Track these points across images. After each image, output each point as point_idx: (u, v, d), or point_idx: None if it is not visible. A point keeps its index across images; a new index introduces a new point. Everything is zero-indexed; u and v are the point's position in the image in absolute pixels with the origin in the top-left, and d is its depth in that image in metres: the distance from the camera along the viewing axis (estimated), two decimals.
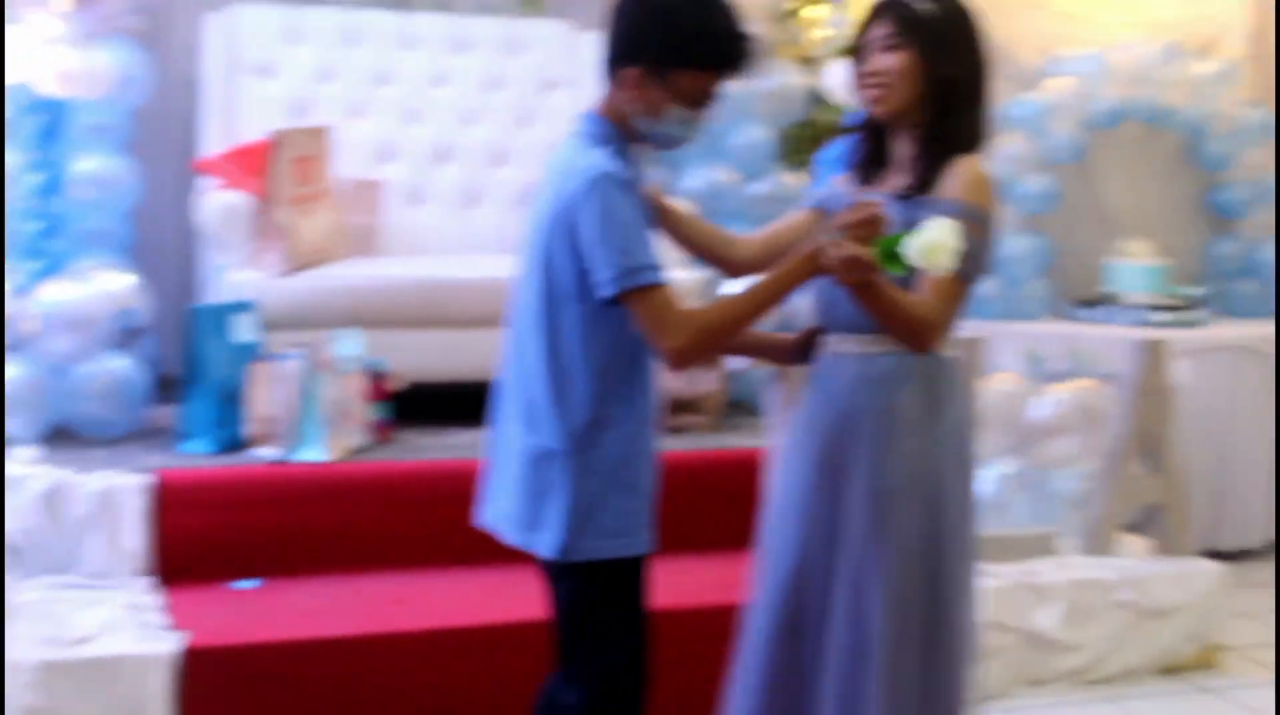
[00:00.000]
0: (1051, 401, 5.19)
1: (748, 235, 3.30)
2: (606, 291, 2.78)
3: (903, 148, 3.06)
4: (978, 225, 2.90)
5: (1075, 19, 6.94)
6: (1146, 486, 5.04)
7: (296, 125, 5.42)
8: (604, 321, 2.85)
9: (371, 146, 5.86)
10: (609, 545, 2.92)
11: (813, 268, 2.85)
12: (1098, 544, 4.97)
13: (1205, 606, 4.94)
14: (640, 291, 2.76)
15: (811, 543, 3.08)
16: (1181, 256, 7.01)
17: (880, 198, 2.96)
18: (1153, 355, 5.02)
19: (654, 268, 2.78)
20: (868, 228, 2.80)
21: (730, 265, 3.26)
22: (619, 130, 2.91)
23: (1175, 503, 5.06)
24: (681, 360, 2.82)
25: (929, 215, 2.84)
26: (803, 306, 3.33)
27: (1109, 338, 6.08)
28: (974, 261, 2.90)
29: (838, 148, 5.82)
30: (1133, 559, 4.99)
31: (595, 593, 2.97)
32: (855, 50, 3.08)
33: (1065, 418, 5.17)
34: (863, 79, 3.05)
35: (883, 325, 2.93)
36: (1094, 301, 6.56)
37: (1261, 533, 6.42)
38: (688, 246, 3.26)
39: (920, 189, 2.97)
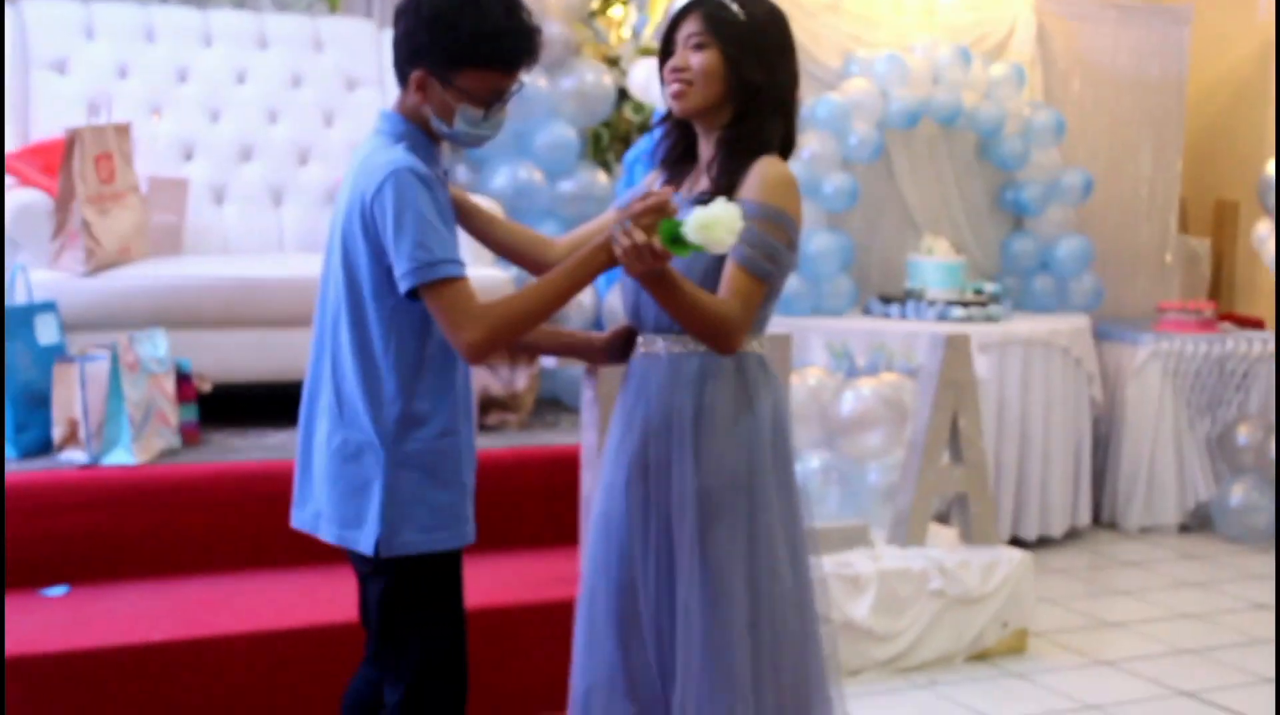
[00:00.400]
0: (859, 396, 5.29)
1: (558, 238, 3.29)
2: (404, 285, 2.76)
3: (707, 148, 3.06)
4: (775, 226, 2.91)
5: (871, 22, 7.07)
6: (953, 477, 5.15)
7: (94, 122, 5.29)
8: (407, 317, 2.83)
9: (173, 144, 5.73)
10: (426, 539, 2.90)
11: (605, 258, 2.82)
12: (908, 534, 5.07)
13: (1012, 593, 5.06)
14: (436, 285, 2.74)
15: (636, 544, 3.06)
16: (979, 252, 7.20)
17: (679, 203, 2.96)
18: (955, 349, 5.13)
19: (450, 261, 2.76)
20: (655, 215, 2.76)
21: (541, 266, 3.20)
22: (418, 128, 2.89)
23: (980, 493, 5.18)
24: (477, 353, 2.79)
25: None
26: (618, 307, 3.32)
27: (912, 333, 6.22)
28: (772, 262, 2.91)
29: (644, 146, 5.89)
30: (942, 548, 5.09)
31: (413, 587, 2.94)
32: (663, 46, 3.07)
33: (873, 411, 5.28)
34: (668, 75, 3.04)
35: (679, 322, 2.92)
36: (897, 297, 6.69)
37: (1060, 521, 6.61)
38: (498, 248, 3.23)
39: (719, 191, 2.94)
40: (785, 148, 3.06)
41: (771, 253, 2.90)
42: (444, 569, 2.97)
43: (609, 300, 5.69)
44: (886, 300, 6.70)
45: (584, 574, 3.19)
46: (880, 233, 7.08)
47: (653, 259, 2.74)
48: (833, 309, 6.59)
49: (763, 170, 2.95)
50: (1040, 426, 6.54)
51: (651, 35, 6.50)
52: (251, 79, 5.98)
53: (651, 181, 3.20)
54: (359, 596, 3.13)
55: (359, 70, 6.12)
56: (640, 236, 2.73)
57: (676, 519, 3.00)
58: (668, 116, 3.14)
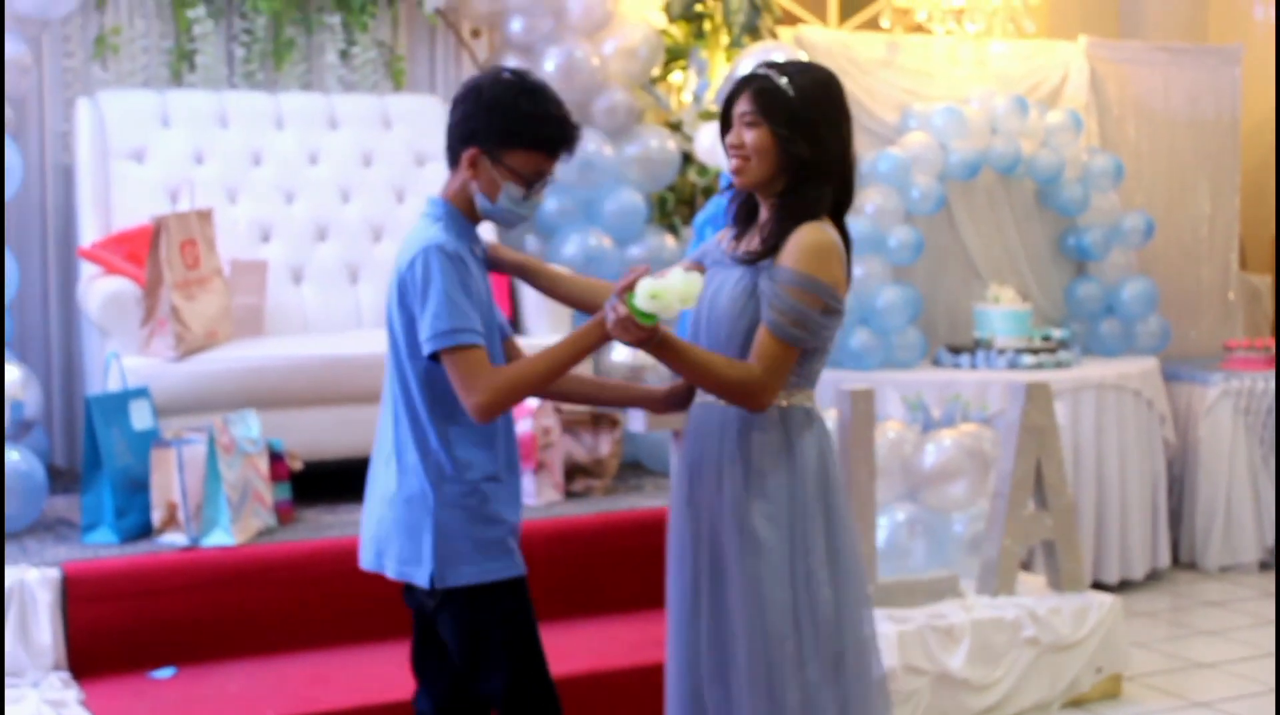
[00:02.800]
0: (940, 447, 5.31)
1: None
2: (426, 349, 3.05)
3: (765, 209, 3.22)
4: (805, 292, 3.05)
5: (927, 76, 7.15)
6: (1039, 524, 5.17)
7: (173, 209, 5.40)
8: (440, 378, 3.09)
9: (251, 227, 5.82)
10: (477, 571, 3.14)
11: (601, 330, 3.05)
12: (998, 583, 5.09)
13: (1105, 638, 5.07)
14: (452, 352, 3.02)
15: (692, 591, 3.23)
16: (1043, 299, 7.23)
17: (734, 260, 3.15)
18: (1036, 396, 5.16)
19: (466, 331, 3.02)
20: (630, 291, 2.96)
21: None
22: (458, 209, 3.18)
23: (1067, 538, 5.20)
24: (483, 414, 3.04)
25: (765, 282, 3.08)
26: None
27: (984, 382, 6.26)
28: (801, 327, 3.06)
29: (712, 209, 5.95)
30: (1032, 596, 5.11)
31: (480, 615, 3.18)
32: (722, 119, 3.25)
33: (954, 462, 5.30)
34: (729, 149, 3.22)
35: (697, 385, 3.15)
36: (966, 347, 6.73)
37: (1141, 563, 6.61)
38: (568, 301, 3.46)
39: (766, 253, 3.13)
40: (839, 209, 3.21)
41: (800, 318, 3.06)
42: (505, 597, 3.20)
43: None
44: (955, 351, 6.74)
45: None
46: (945, 283, 7.13)
47: (637, 330, 2.94)
48: (903, 362, 6.63)
49: (799, 238, 3.11)
50: (1116, 470, 6.56)
51: (713, 99, 6.57)
52: (323, 159, 6.07)
53: (721, 239, 3.35)
54: (414, 639, 3.41)
55: (427, 146, 6.20)
56: (623, 309, 2.93)
57: (728, 566, 3.15)
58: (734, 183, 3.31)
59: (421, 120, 6.27)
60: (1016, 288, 7.04)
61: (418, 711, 3.41)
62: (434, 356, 3.04)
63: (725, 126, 3.23)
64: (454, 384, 3.04)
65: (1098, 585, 6.27)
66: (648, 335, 2.95)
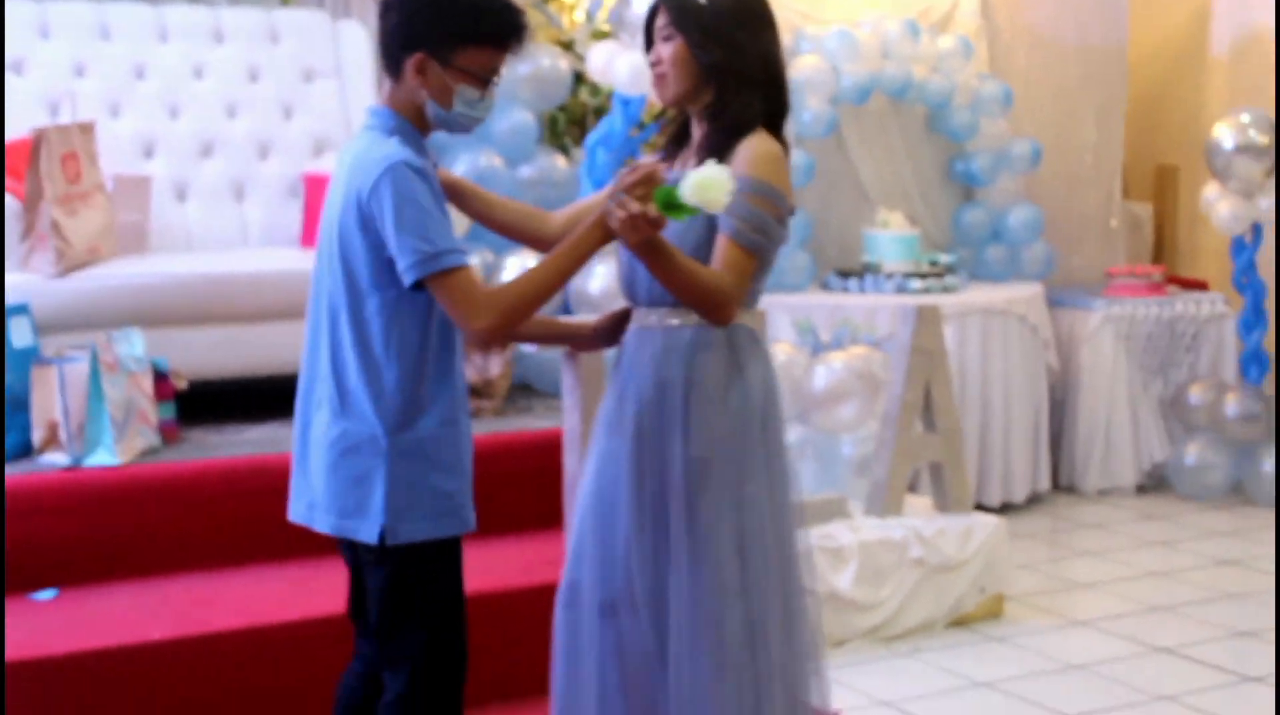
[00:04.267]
0: (830, 370, 5.34)
1: (556, 211, 3.37)
2: (409, 277, 2.81)
3: (696, 130, 3.16)
4: (764, 199, 2.99)
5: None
6: (928, 446, 5.23)
7: (54, 122, 5.27)
8: (408, 308, 2.89)
9: (132, 142, 5.71)
10: (431, 526, 2.95)
11: (601, 233, 2.92)
12: (886, 504, 5.14)
13: (988, 559, 5.15)
14: (442, 275, 2.81)
15: (631, 515, 3.14)
16: (931, 224, 7.28)
17: (672, 179, 3.01)
18: (926, 320, 5.20)
19: (454, 251, 2.83)
20: (646, 185, 2.87)
21: (540, 241, 3.32)
22: (408, 121, 2.95)
23: (955, 461, 5.27)
24: (490, 338, 2.90)
25: None
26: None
27: (873, 306, 6.30)
28: (762, 234, 3.00)
29: (605, 129, 5.92)
30: (919, 517, 5.17)
31: (416, 574, 2.99)
32: (646, 39, 3.19)
33: (845, 384, 5.32)
34: (651, 66, 3.17)
35: (675, 293, 3.01)
36: (854, 272, 6.76)
37: (1022, 487, 6.71)
38: (498, 226, 3.32)
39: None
40: (774, 118, 3.15)
41: (761, 225, 2.99)
42: (446, 555, 3.03)
43: (577, 286, 5.73)
44: (844, 274, 6.77)
45: (571, 548, 3.27)
46: (835, 207, 7.15)
47: (648, 227, 2.85)
48: (793, 285, 6.64)
49: (749, 147, 3.04)
50: (1000, 394, 6.64)
51: (605, 19, 6.51)
52: (209, 74, 5.95)
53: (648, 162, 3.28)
54: (350, 588, 3.19)
55: (316, 62, 6.11)
56: (635, 206, 2.83)
57: (668, 488, 3.09)
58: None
59: (310, 35, 6.17)
60: (905, 212, 7.07)
61: (357, 650, 3.23)
62: (416, 285, 2.83)
63: (648, 45, 3.17)
64: (450, 309, 2.84)
65: (980, 507, 6.34)
66: (655, 233, 2.86)
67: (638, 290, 3.16)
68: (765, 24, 3.16)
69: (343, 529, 2.98)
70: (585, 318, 3.38)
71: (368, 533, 2.93)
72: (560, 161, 6.33)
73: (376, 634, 3.09)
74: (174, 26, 5.97)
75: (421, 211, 2.81)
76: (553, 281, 2.94)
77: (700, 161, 3.03)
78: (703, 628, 3.07)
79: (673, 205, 2.82)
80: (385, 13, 2.98)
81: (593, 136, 5.96)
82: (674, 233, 2.99)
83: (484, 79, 2.93)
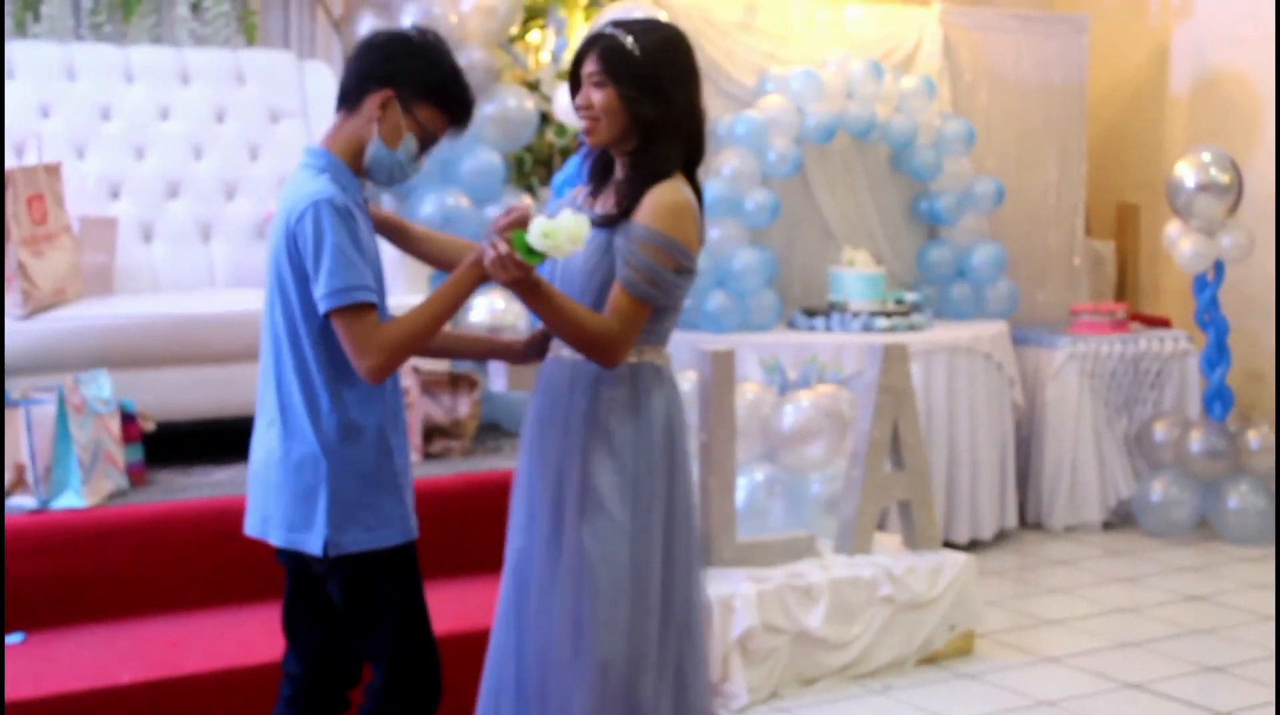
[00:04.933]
0: (798, 408, 5.35)
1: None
2: (321, 307, 3.00)
3: (619, 169, 3.23)
4: (659, 250, 3.09)
5: (784, 40, 7.17)
6: (896, 483, 5.24)
7: (19, 163, 5.25)
8: (333, 335, 3.04)
9: (99, 183, 5.68)
10: (371, 537, 3.12)
11: (477, 273, 3.04)
12: (855, 542, 5.14)
13: (958, 596, 5.16)
14: (344, 311, 2.98)
15: (534, 542, 3.26)
16: (896, 263, 7.31)
17: (591, 219, 3.09)
18: (893, 358, 5.22)
19: (359, 288, 2.99)
20: (515, 227, 2.99)
21: None
22: (342, 161, 3.12)
23: (923, 498, 5.28)
24: (375, 376, 3.02)
25: (622, 241, 3.09)
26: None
27: (840, 344, 6.33)
28: (654, 284, 3.09)
29: (571, 169, 5.92)
30: (888, 555, 5.18)
31: (369, 580, 3.17)
32: (571, 79, 3.25)
33: (813, 423, 5.34)
34: (577, 109, 3.23)
35: (556, 333, 3.15)
36: (820, 310, 6.78)
37: (990, 523, 6.73)
38: (430, 260, 3.45)
39: (623, 215, 3.14)
40: (691, 166, 3.24)
41: (653, 276, 3.09)
42: (395, 561, 3.18)
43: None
44: (810, 313, 6.79)
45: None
46: (800, 246, 7.18)
47: (515, 269, 2.94)
48: (759, 324, 6.66)
49: (654, 197, 3.13)
50: (966, 432, 6.66)
51: (570, 59, 6.53)
52: (175, 114, 5.94)
53: (578, 195, 3.35)
54: (286, 601, 3.36)
55: (282, 103, 6.10)
56: (503, 247, 2.93)
57: (564, 513, 3.19)
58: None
59: (275, 76, 6.16)
60: (870, 251, 7.10)
61: (286, 674, 3.37)
62: (327, 315, 3.00)
63: (575, 87, 3.23)
64: (345, 345, 3.00)
65: (948, 544, 6.36)
66: (525, 274, 2.95)
67: None
68: (692, 74, 3.25)
69: (292, 541, 3.14)
70: (515, 337, 3.47)
71: (314, 545, 3.10)
72: (527, 201, 6.33)
73: (350, 639, 3.27)
74: (140, 67, 5.95)
75: (334, 248, 2.97)
76: (435, 320, 3.08)
77: (617, 206, 3.15)
78: (580, 663, 3.15)
79: (530, 250, 2.93)
80: (368, 50, 3.17)
81: (559, 176, 5.94)
82: (581, 272, 3.13)
83: (428, 139, 3.15)
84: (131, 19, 6.16)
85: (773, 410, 5.38)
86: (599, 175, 3.29)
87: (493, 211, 6.21)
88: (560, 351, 3.23)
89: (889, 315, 6.68)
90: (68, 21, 6.07)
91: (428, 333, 3.08)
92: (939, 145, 7.21)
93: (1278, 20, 7.43)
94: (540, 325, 3.29)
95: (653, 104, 3.12)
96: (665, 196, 3.12)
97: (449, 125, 3.17)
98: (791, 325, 6.85)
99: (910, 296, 6.88)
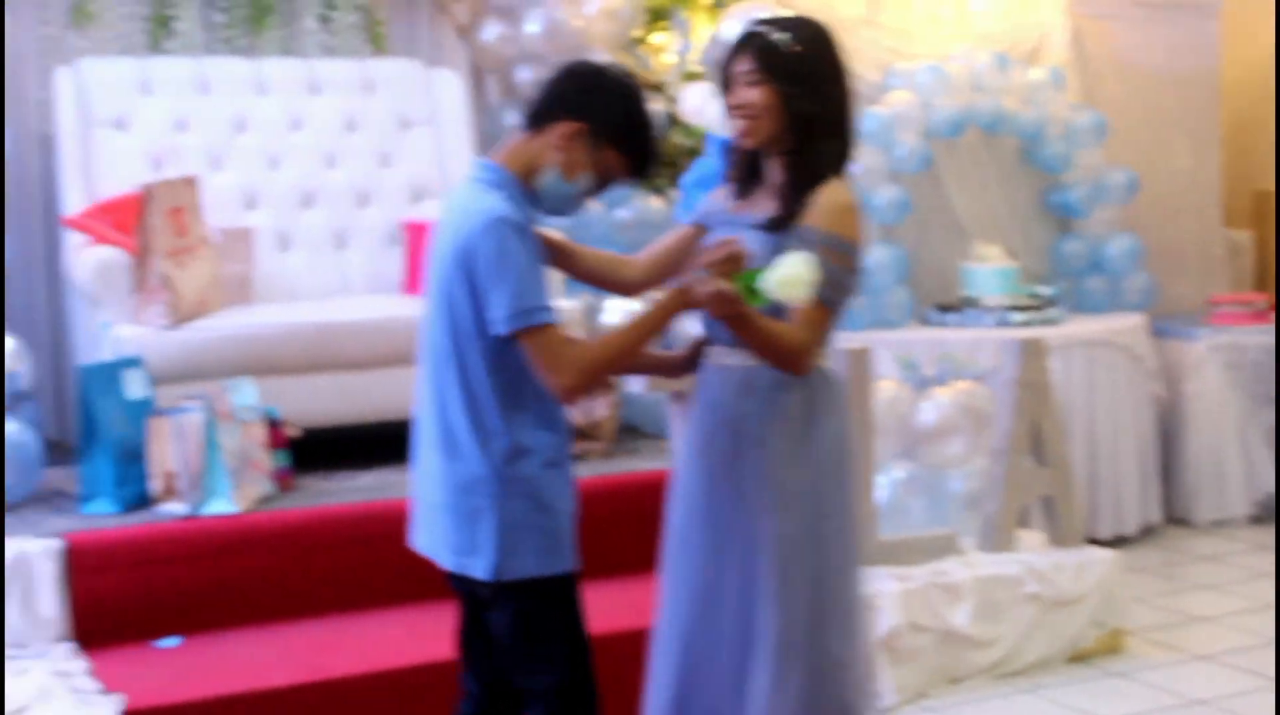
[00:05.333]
0: (937, 405, 5.30)
1: (635, 256, 3.45)
2: (500, 329, 2.93)
3: (773, 170, 3.20)
4: (839, 253, 3.07)
5: (908, 34, 7.11)
6: (1037, 479, 5.17)
7: (160, 177, 5.33)
8: (508, 355, 2.98)
9: (235, 194, 5.76)
10: (540, 563, 3.05)
11: (684, 302, 3.04)
12: (998, 540, 5.08)
13: (1105, 593, 5.08)
14: (532, 331, 2.93)
15: (713, 552, 3.21)
16: (1027, 256, 7.22)
17: (748, 223, 3.12)
18: (1032, 353, 5.16)
19: (545, 308, 2.94)
20: (729, 264, 2.98)
21: (623, 287, 3.45)
22: (515, 178, 3.06)
23: (1066, 494, 5.20)
24: (571, 396, 2.99)
25: (795, 244, 3.03)
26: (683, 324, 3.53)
27: (974, 340, 6.25)
28: (836, 287, 3.07)
29: (700, 170, 5.91)
30: (1033, 552, 5.11)
31: (537, 609, 3.09)
32: (723, 79, 3.21)
33: (952, 420, 5.29)
34: (731, 110, 3.19)
35: (753, 351, 3.09)
36: (953, 306, 6.72)
37: (1135, 519, 6.62)
38: (585, 277, 3.41)
39: (787, 219, 3.11)
40: (845, 163, 3.21)
41: (835, 281, 3.06)
42: (561, 592, 3.11)
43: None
44: (944, 309, 6.73)
45: (663, 590, 3.34)
46: (930, 242, 7.10)
47: (729, 306, 2.95)
48: (892, 321, 6.60)
49: (825, 198, 3.11)
50: (1107, 426, 6.56)
51: (696, 60, 6.52)
52: (307, 125, 6.01)
53: (719, 198, 3.33)
54: (461, 624, 3.29)
55: (412, 110, 6.15)
56: (719, 285, 2.94)
57: (746, 523, 3.15)
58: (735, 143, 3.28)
59: (404, 84, 6.21)
60: (1002, 245, 7.01)
61: (464, 690, 3.34)
62: (509, 336, 2.94)
63: (726, 86, 3.19)
64: (536, 364, 2.94)
65: (1092, 541, 6.27)
66: (739, 310, 2.96)
67: (717, 330, 3.21)
68: (844, 73, 3.22)
69: (460, 566, 3.08)
70: (669, 350, 3.45)
71: (482, 569, 3.04)
72: (655, 203, 6.34)
73: (508, 672, 3.18)
74: (272, 80, 6.03)
75: (516, 268, 2.92)
76: (633, 346, 3.07)
77: (783, 207, 3.12)
78: (775, 661, 3.13)
79: (753, 291, 2.94)
80: (569, 76, 3.13)
81: (688, 177, 5.95)
82: None
83: (603, 181, 3.11)
84: (262, 32, 6.24)
85: (910, 407, 5.33)
86: (745, 177, 3.26)
87: (622, 214, 6.22)
88: (724, 359, 3.21)
89: (1024, 309, 6.60)
90: (200, 36, 6.16)
91: (625, 356, 3.06)
92: (1069, 137, 7.11)
93: (1278, 21, 7.28)
94: (692, 340, 3.31)
95: (810, 100, 3.11)
96: (835, 197, 3.10)
97: (629, 173, 3.12)
98: (925, 321, 6.79)
99: (1044, 290, 6.79)
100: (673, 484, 3.35)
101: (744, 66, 3.13)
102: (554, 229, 3.43)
